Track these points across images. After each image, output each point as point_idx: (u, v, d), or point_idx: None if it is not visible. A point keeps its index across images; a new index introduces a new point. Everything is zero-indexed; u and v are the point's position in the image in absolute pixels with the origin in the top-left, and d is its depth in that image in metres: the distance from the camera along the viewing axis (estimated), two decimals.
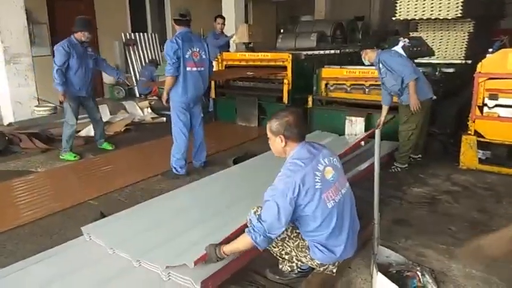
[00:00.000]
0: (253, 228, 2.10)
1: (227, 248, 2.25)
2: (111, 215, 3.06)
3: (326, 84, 5.71)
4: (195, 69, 4.14)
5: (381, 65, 4.21)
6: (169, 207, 3.17)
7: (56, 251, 2.61)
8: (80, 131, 5.72)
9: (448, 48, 6.69)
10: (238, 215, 2.73)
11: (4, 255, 2.85)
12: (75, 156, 4.99)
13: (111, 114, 6.59)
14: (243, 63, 6.77)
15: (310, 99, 5.77)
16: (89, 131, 5.85)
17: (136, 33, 9.62)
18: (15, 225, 3.28)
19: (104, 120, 6.22)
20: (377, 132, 2.39)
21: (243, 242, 2.18)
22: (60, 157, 4.98)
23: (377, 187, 2.52)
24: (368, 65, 4.66)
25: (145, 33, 9.83)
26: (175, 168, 4.30)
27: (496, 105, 4.21)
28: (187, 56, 4.06)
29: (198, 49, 4.14)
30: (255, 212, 2.18)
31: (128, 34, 9.43)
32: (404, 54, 4.20)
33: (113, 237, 2.64)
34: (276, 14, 14.70)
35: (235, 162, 4.54)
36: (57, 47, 4.77)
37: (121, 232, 2.73)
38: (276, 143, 2.21)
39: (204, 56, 4.21)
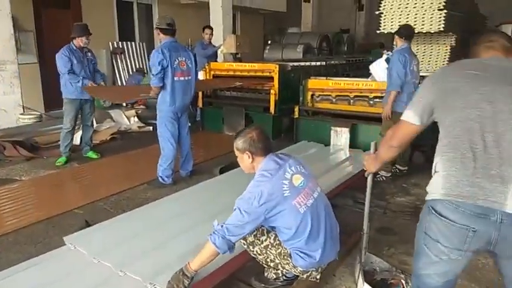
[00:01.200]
0: (214, 231, 2.16)
1: (194, 263, 2.18)
2: (96, 224, 3.04)
3: (312, 95, 5.80)
4: (182, 78, 4.17)
5: (392, 58, 4.36)
6: (155, 216, 3.17)
7: (40, 260, 2.58)
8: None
9: (431, 61, 6.87)
10: None
11: None
12: (65, 160, 5.09)
13: (97, 123, 6.54)
14: (231, 73, 6.83)
15: (296, 109, 5.85)
16: (75, 139, 5.80)
17: (124, 42, 9.62)
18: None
19: None
20: (369, 178, 2.52)
21: (205, 250, 2.17)
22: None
23: (368, 198, 2.57)
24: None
25: (133, 42, 9.84)
26: (161, 177, 4.30)
27: None
28: (174, 66, 4.07)
29: (184, 58, 4.17)
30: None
31: (115, 43, 9.43)
32: (408, 66, 4.28)
33: (97, 246, 2.63)
34: (264, 25, 14.87)
35: (222, 171, 4.56)
36: (58, 54, 4.85)
37: (105, 241, 2.71)
38: (244, 159, 2.29)
39: (190, 65, 4.24)
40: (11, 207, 3.78)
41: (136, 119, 7.31)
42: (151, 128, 7.02)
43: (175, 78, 4.11)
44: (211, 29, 7.61)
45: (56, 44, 5.05)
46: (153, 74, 4.04)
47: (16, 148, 5.27)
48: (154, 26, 4.16)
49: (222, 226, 2.15)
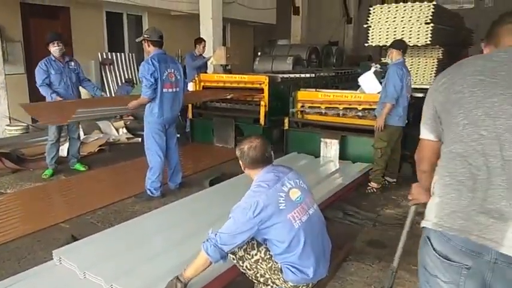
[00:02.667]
0: (208, 239, 2.17)
1: (187, 270, 2.22)
2: (83, 238, 2.99)
3: (302, 107, 5.82)
4: (171, 90, 4.15)
5: (388, 71, 4.38)
6: (145, 229, 3.13)
7: (25, 276, 2.52)
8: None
9: (419, 73, 6.97)
10: None
11: None
12: (52, 173, 5.02)
13: (85, 134, 6.47)
14: (221, 84, 6.83)
15: (286, 121, 5.86)
16: (62, 151, 5.72)
17: (113, 53, 9.58)
18: None
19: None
20: (412, 209, 2.08)
21: (199, 258, 2.19)
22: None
23: (407, 229, 2.14)
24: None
25: (122, 53, 9.81)
26: (150, 190, 4.25)
27: None
28: (164, 77, 4.06)
29: (173, 70, 4.16)
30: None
31: (104, 53, 9.38)
32: (405, 80, 4.33)
33: (85, 261, 2.58)
34: (254, 37, 14.98)
35: (212, 183, 4.53)
36: (37, 66, 4.81)
37: (93, 256, 2.66)
38: (242, 166, 2.36)
39: (178, 77, 4.23)
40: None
41: (125, 130, 7.25)
42: (140, 139, 6.96)
43: (164, 90, 4.09)
44: (204, 41, 7.61)
45: (44, 54, 4.98)
46: (145, 86, 4.00)
47: (1, 160, 5.17)
48: (142, 38, 4.09)
49: (215, 234, 2.15)
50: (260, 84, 6.34)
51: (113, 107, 4.95)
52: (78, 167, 5.28)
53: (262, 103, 6.22)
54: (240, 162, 2.33)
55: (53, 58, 4.86)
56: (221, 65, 7.96)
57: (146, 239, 2.94)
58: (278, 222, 2.12)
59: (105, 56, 9.39)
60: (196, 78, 6.96)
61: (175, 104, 4.26)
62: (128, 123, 7.50)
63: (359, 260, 3.01)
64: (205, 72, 7.50)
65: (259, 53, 13.61)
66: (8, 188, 4.58)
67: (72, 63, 5.04)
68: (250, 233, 2.13)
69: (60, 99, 4.80)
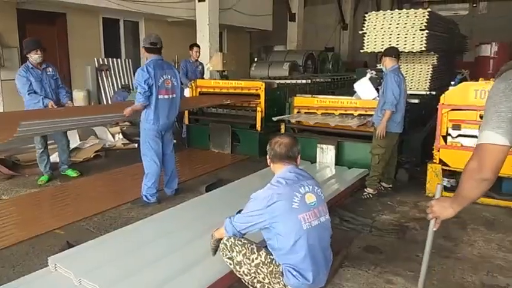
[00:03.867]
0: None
1: (216, 233, 2.51)
2: (78, 245, 2.97)
3: (298, 113, 5.84)
4: (167, 96, 4.13)
5: (386, 78, 4.40)
6: (140, 236, 3.11)
7: (20, 283, 2.50)
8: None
9: (414, 79, 7.01)
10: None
11: None
12: (48, 179, 5.00)
13: (80, 140, 6.46)
14: (217, 90, 6.85)
15: (282, 126, 5.88)
16: (56, 157, 5.71)
17: (110, 59, 9.59)
18: None
19: (74, 146, 6.10)
20: (431, 225, 1.86)
21: (222, 227, 2.44)
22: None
23: (428, 248, 1.94)
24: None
25: (118, 59, 9.82)
26: (146, 196, 4.24)
27: (459, 135, 4.42)
28: (159, 84, 4.04)
29: (169, 76, 4.14)
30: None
31: (100, 59, 9.39)
32: (402, 86, 4.35)
33: (80, 267, 2.56)
34: (250, 43, 15.04)
35: (208, 189, 4.52)
36: (16, 75, 4.72)
37: (89, 262, 2.64)
38: (268, 160, 2.47)
39: (175, 83, 4.21)
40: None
41: (121, 135, 7.23)
42: (136, 145, 6.94)
43: (160, 97, 4.07)
44: (199, 46, 7.64)
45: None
46: (139, 93, 3.99)
47: None
48: (141, 46, 4.14)
49: (238, 212, 2.39)
50: (256, 90, 6.36)
51: (96, 116, 4.74)
52: (70, 172, 5.21)
53: (258, 109, 6.25)
54: (268, 157, 2.45)
55: (31, 65, 4.73)
56: (218, 70, 8.00)
57: (142, 245, 2.93)
58: (288, 219, 2.21)
59: (101, 62, 9.39)
60: (193, 84, 6.97)
61: (172, 111, 4.24)
62: (124, 128, 7.49)
63: (355, 265, 3.01)
64: (202, 78, 7.51)
65: (255, 59, 13.68)
66: (3, 194, 4.55)
67: (50, 69, 4.92)
68: (260, 221, 2.25)
69: (52, 104, 4.71)
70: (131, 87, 9.43)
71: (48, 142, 5.11)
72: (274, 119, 5.72)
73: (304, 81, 7.63)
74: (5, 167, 5.20)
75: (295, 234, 2.20)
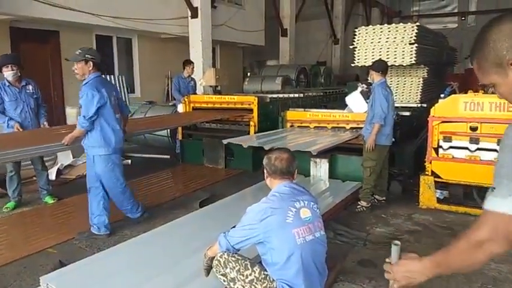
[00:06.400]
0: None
1: (209, 251, 2.48)
2: (71, 264, 2.94)
3: (291, 126, 5.87)
4: (118, 115, 3.79)
5: (374, 91, 4.44)
6: (133, 254, 3.08)
7: None
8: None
9: (405, 92, 7.10)
10: None
11: None
12: (15, 205, 4.68)
13: (73, 157, 6.43)
14: (210, 105, 6.89)
15: None
16: (50, 173, 5.67)
17: (103, 76, 9.60)
18: None
19: (66, 163, 6.06)
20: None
21: (215, 243, 2.42)
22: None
23: None
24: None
25: (112, 76, 9.84)
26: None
27: (450, 147, 4.47)
28: (112, 103, 3.69)
29: (115, 93, 3.81)
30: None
31: None
32: (390, 99, 4.40)
33: (73, 287, 2.53)
34: (243, 58, 15.18)
35: (202, 205, 4.51)
36: None
37: (82, 281, 2.62)
38: (265, 175, 2.48)
39: (119, 101, 3.90)
40: None
41: None
42: (129, 161, 6.94)
43: (117, 116, 3.75)
44: (192, 63, 7.68)
45: (34, 79, 4.91)
46: (84, 116, 3.55)
47: None
48: (83, 58, 3.56)
49: (232, 227, 2.38)
50: (249, 104, 6.41)
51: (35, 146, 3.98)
52: (48, 199, 4.86)
53: (251, 123, 6.28)
54: (264, 170, 2.46)
55: (7, 83, 4.48)
56: (211, 86, 8.05)
57: (135, 264, 2.90)
58: (281, 233, 2.21)
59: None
60: (186, 99, 7.00)
61: (120, 131, 3.84)
62: None
63: (350, 280, 3.00)
64: (195, 94, 7.55)
65: (248, 74, 13.80)
66: None
67: (30, 87, 4.63)
68: (254, 235, 2.25)
69: (18, 126, 4.44)
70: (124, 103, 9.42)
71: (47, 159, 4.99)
72: (225, 141, 5.35)
73: (296, 95, 7.69)
74: None
75: (288, 249, 2.20)
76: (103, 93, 3.55)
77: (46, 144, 3.97)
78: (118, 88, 9.62)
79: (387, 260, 1.38)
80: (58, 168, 5.86)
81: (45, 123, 4.81)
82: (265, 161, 2.47)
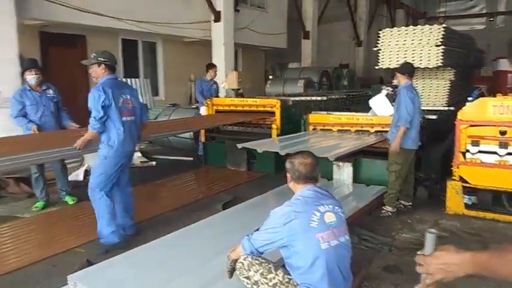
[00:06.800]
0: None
1: (232, 253, 2.45)
2: (98, 263, 3.00)
3: (313, 129, 5.84)
4: (129, 118, 3.67)
5: (399, 94, 4.39)
6: (158, 254, 3.12)
7: None
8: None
9: (431, 95, 6.95)
10: None
11: None
12: (45, 205, 4.79)
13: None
14: (233, 108, 6.92)
15: None
16: (77, 175, 5.82)
17: (129, 79, 9.79)
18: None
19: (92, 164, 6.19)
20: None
21: (239, 246, 2.40)
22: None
23: None
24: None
25: (137, 79, 10.03)
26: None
27: (478, 151, 4.35)
28: (120, 105, 3.58)
29: (129, 96, 3.69)
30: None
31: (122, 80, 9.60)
32: (416, 102, 4.33)
33: (100, 286, 2.59)
34: (265, 61, 15.20)
35: (225, 207, 4.53)
36: (11, 98, 4.62)
37: (109, 281, 2.67)
38: (288, 179, 2.45)
39: (136, 105, 3.76)
40: (11, 246, 3.75)
41: (139, 153, 7.32)
42: (154, 163, 7.06)
43: (123, 119, 3.60)
44: (215, 66, 7.73)
45: (62, 82, 5.11)
46: (94, 118, 3.50)
47: (19, 185, 5.27)
48: (96, 61, 3.56)
49: (256, 230, 2.37)
50: (271, 107, 6.41)
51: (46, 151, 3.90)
52: (68, 199, 4.96)
53: (274, 126, 6.28)
54: (287, 175, 2.43)
55: (28, 88, 4.60)
56: (233, 89, 8.09)
57: (160, 264, 2.94)
58: (305, 238, 2.19)
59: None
60: (209, 102, 7.06)
61: (133, 135, 3.77)
62: (143, 146, 7.59)
63: (375, 286, 2.95)
64: (217, 97, 7.61)
65: (270, 77, 13.81)
66: (24, 213, 4.64)
67: (51, 91, 4.74)
68: (278, 238, 2.23)
69: (35, 128, 4.54)
70: (149, 106, 9.58)
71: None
72: (239, 146, 4.97)
73: (319, 98, 7.65)
74: (26, 185, 5.30)
75: (313, 254, 2.18)
76: (109, 94, 3.49)
77: (58, 149, 3.91)
78: (141, 91, 9.87)
79: (419, 252, 1.27)
80: (86, 169, 5.99)
81: (72, 123, 4.89)
82: (288, 166, 2.45)
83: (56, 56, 8.35)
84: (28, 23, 7.31)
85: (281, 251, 2.33)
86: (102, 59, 3.57)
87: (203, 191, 5.54)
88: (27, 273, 3.23)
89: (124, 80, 9.55)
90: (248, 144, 4.85)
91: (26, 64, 4.66)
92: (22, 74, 4.65)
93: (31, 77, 4.57)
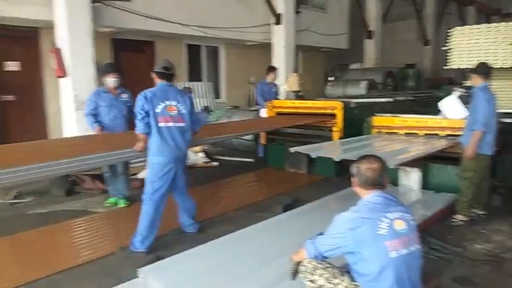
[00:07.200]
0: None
1: (295, 256, 2.44)
2: (167, 258, 3.14)
3: (378, 133, 5.65)
4: (171, 124, 3.67)
5: (475, 96, 4.17)
6: (221, 253, 3.21)
7: None
8: (135, 173, 5.94)
9: (507, 97, 6.46)
10: None
11: None
12: (121, 202, 5.01)
13: None
14: (293, 110, 6.91)
15: None
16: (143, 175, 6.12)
17: (192, 82, 10.14)
18: (74, 264, 3.44)
19: None
20: None
21: (303, 248, 2.39)
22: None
23: None
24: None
25: (200, 82, 10.35)
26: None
27: None
28: (158, 111, 3.61)
29: (175, 103, 3.70)
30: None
31: (185, 83, 9.96)
32: (492, 104, 4.07)
33: (170, 280, 2.71)
34: (325, 62, 15.01)
35: (285, 209, 4.53)
36: (88, 98, 4.91)
37: (178, 275, 2.80)
38: (354, 184, 2.37)
39: (184, 111, 3.73)
40: (87, 239, 4.02)
41: (202, 154, 7.54)
42: (217, 163, 7.24)
43: (161, 124, 3.62)
44: (276, 69, 7.75)
45: (132, 85, 5.37)
46: (137, 119, 3.63)
47: (94, 181, 5.64)
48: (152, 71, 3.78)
49: (319, 234, 2.34)
50: (333, 109, 6.30)
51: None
52: (120, 202, 5.02)
53: (335, 129, 6.17)
54: (352, 179, 2.35)
55: (104, 90, 4.82)
56: (293, 91, 8.08)
57: (222, 263, 3.01)
58: (373, 245, 2.11)
59: (185, 86, 9.95)
60: (269, 104, 7.11)
61: (179, 141, 3.72)
62: (206, 147, 7.80)
63: None
64: (277, 99, 7.62)
65: (330, 78, 13.60)
66: (99, 208, 4.95)
67: (125, 96, 4.91)
68: (344, 244, 2.18)
69: (99, 129, 4.74)
70: (211, 109, 9.85)
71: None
72: (291, 150, 4.70)
73: (383, 99, 7.40)
74: (100, 182, 5.67)
75: (381, 262, 2.10)
76: (148, 99, 3.59)
77: (121, 151, 4.01)
78: (204, 94, 10.17)
79: None
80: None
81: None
82: (354, 170, 2.37)
83: (126, 61, 8.86)
84: (102, 30, 7.83)
85: (347, 256, 2.28)
86: (155, 68, 3.78)
87: (263, 192, 5.58)
88: (102, 264, 3.45)
89: (188, 83, 9.93)
90: (300, 149, 4.67)
91: (107, 68, 4.90)
92: (100, 77, 4.94)
93: (111, 80, 4.77)
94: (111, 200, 5.09)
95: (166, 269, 2.91)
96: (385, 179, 2.31)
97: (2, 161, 3.29)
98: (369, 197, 2.28)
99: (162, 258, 3.20)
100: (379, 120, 5.67)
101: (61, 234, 4.19)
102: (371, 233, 2.12)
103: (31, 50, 7.54)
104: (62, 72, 6.62)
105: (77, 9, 6.65)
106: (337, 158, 4.32)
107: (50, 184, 5.48)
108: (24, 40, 7.50)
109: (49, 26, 6.85)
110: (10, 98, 7.39)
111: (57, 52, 6.57)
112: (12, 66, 7.40)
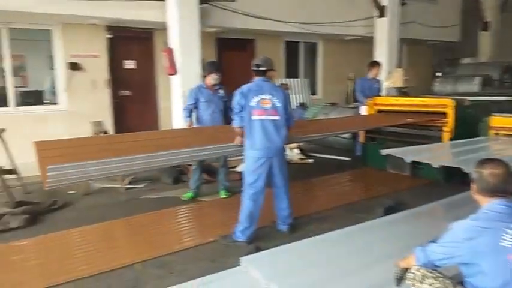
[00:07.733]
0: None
1: (401, 262, 2.31)
2: (268, 249, 3.22)
3: (495, 135, 5.10)
4: (264, 117, 3.76)
5: None
6: (324, 249, 3.21)
7: (217, 277, 2.87)
8: (235, 166, 6.17)
9: None
10: None
11: (174, 273, 3.26)
12: (192, 196, 5.14)
13: None
14: (396, 108, 6.53)
15: None
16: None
17: (290, 79, 10.21)
18: (180, 248, 3.71)
19: None
20: None
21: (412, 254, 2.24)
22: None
23: None
24: None
25: (297, 79, 10.38)
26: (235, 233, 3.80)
27: None
28: (253, 104, 3.75)
29: (269, 96, 3.79)
30: None
31: (283, 80, 10.08)
32: None
33: (270, 271, 2.77)
34: (431, 56, 13.95)
35: (387, 212, 4.32)
36: (189, 92, 5.17)
37: (277, 268, 2.86)
38: (472, 188, 2.18)
39: (278, 104, 3.80)
40: (191, 225, 4.32)
41: (298, 150, 7.56)
42: (312, 160, 7.20)
43: (254, 117, 3.75)
44: (379, 64, 7.39)
45: (233, 81, 5.53)
46: (235, 113, 3.87)
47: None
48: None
49: (431, 242, 2.19)
50: (444, 107, 5.81)
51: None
52: (222, 193, 5.24)
53: (445, 129, 5.69)
54: (472, 184, 2.16)
55: (204, 86, 5.09)
56: (397, 87, 7.66)
57: (320, 260, 3.00)
58: (493, 258, 1.92)
59: (283, 82, 10.07)
60: (370, 102, 6.82)
61: (272, 134, 3.77)
62: (302, 144, 7.81)
63: None
64: (378, 96, 7.28)
65: (438, 74, 12.60)
66: (203, 197, 5.20)
67: (222, 91, 5.12)
68: (458, 254, 2.02)
69: (190, 123, 5.04)
70: (307, 105, 9.82)
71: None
72: (383, 152, 4.39)
73: (502, 98, 6.63)
74: (205, 173, 5.95)
75: (504, 277, 1.89)
76: (244, 94, 3.77)
77: (221, 145, 4.26)
78: (300, 90, 10.16)
79: None
80: None
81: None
82: (475, 175, 2.15)
83: (228, 58, 9.25)
84: (208, 30, 8.26)
85: (461, 268, 2.10)
86: (252, 66, 3.95)
87: (362, 192, 5.41)
88: (205, 250, 3.66)
89: (284, 80, 10.01)
90: (393, 151, 4.32)
91: (210, 67, 5.15)
92: (204, 75, 5.26)
93: (216, 77, 5.02)
94: (188, 194, 5.18)
95: (267, 260, 2.99)
96: (510, 186, 2.07)
97: (124, 149, 3.69)
98: (490, 205, 2.07)
99: (262, 249, 3.29)
100: (498, 120, 5.11)
101: (169, 219, 4.54)
102: (492, 245, 1.93)
103: (146, 49, 8.27)
104: (173, 70, 7.13)
105: (187, 11, 7.09)
106: (435, 164, 3.96)
107: (159, 172, 5.96)
108: (140, 40, 8.26)
109: (162, 28, 7.42)
110: (127, 93, 8.20)
111: (169, 52, 7.09)
112: (129, 64, 8.20)
